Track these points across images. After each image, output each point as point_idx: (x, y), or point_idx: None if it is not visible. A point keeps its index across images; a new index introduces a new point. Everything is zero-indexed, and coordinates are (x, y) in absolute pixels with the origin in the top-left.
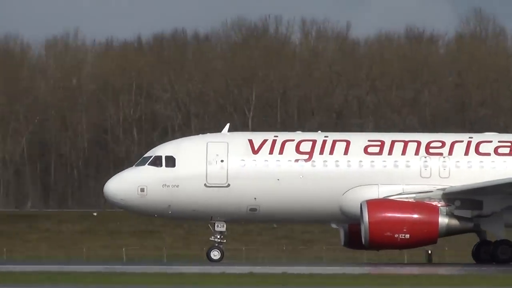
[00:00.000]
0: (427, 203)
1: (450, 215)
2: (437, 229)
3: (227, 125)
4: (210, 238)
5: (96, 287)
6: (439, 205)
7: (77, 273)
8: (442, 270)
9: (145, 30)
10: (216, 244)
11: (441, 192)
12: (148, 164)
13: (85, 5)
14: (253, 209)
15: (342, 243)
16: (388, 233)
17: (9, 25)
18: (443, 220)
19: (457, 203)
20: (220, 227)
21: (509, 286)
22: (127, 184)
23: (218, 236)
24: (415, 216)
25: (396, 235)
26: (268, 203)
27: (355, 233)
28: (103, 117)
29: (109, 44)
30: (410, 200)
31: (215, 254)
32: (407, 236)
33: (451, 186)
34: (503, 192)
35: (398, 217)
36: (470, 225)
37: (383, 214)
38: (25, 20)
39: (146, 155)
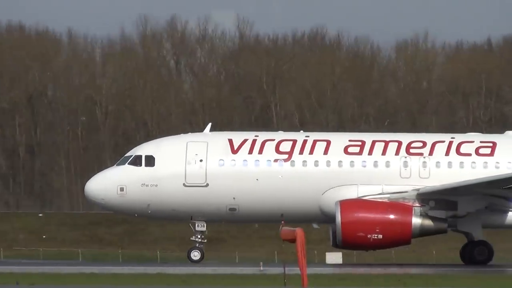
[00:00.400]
0: (401, 203)
1: (424, 215)
2: (410, 230)
3: (209, 125)
4: (191, 238)
5: None
6: (413, 205)
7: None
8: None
9: (495, 32)
10: (197, 245)
11: (415, 193)
12: (128, 164)
13: (435, 8)
14: (232, 209)
15: (331, 243)
16: (361, 234)
17: (361, 28)
18: (416, 221)
19: (432, 203)
20: (201, 226)
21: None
22: (107, 183)
23: (199, 236)
24: (388, 216)
25: (368, 236)
26: (247, 203)
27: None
28: (452, 119)
29: (459, 47)
30: (384, 200)
31: (195, 255)
32: (380, 236)
33: (425, 187)
34: (476, 192)
35: (371, 217)
36: (444, 225)
37: (356, 215)
38: (376, 24)
39: (127, 154)
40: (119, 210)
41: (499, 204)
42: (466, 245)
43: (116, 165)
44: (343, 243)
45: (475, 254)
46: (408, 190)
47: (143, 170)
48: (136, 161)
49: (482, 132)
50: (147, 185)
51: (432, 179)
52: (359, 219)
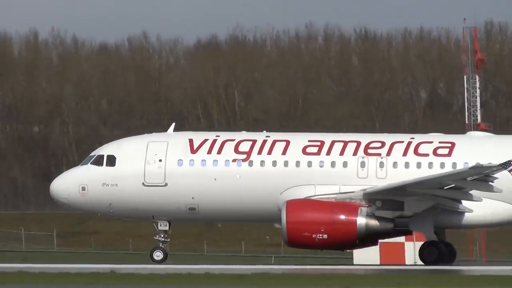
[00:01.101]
0: (347, 203)
1: (370, 215)
2: (355, 230)
3: (173, 124)
4: (154, 237)
5: None
6: (359, 205)
7: None
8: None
9: None
10: (160, 244)
11: (362, 193)
12: (91, 163)
13: None
14: (192, 208)
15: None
16: (306, 233)
17: None
18: (362, 221)
19: (378, 203)
20: (163, 226)
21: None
22: (70, 183)
23: (162, 236)
24: (333, 216)
25: (313, 235)
26: (206, 202)
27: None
28: None
29: None
30: (331, 200)
31: (158, 255)
32: (325, 236)
33: (371, 187)
34: (422, 193)
35: (316, 217)
36: (390, 225)
37: (301, 215)
38: None
39: (91, 153)
40: (82, 209)
41: (447, 204)
42: (423, 245)
43: (80, 165)
44: (289, 243)
45: (425, 254)
46: (355, 190)
47: (104, 169)
48: (99, 160)
49: None
50: (107, 185)
51: (389, 179)
52: (304, 219)
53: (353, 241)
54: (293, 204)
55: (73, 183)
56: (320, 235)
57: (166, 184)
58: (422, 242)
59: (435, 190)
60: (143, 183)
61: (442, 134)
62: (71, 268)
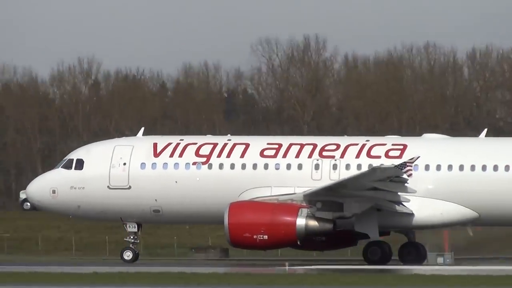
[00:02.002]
0: (288, 205)
1: (310, 216)
2: (294, 230)
3: (142, 129)
4: (125, 239)
5: None
6: (300, 207)
7: None
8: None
9: None
10: (130, 245)
11: (302, 194)
12: (62, 167)
13: None
14: (156, 211)
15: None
16: (247, 234)
17: None
18: (301, 221)
19: (319, 205)
20: (132, 228)
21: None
22: (41, 186)
23: (132, 237)
24: (273, 217)
25: (254, 236)
26: (168, 204)
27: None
28: None
29: None
30: (273, 202)
31: (128, 255)
32: (265, 237)
33: (310, 188)
34: (353, 195)
35: (256, 218)
36: (329, 226)
37: (242, 216)
38: None
39: (65, 157)
40: (53, 211)
41: (385, 205)
42: (404, 245)
43: (54, 168)
44: (232, 243)
45: (368, 254)
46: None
47: (72, 173)
48: (69, 164)
49: None
50: (75, 188)
51: None
52: (245, 220)
53: (293, 241)
54: (235, 206)
55: (44, 186)
56: (261, 236)
57: (130, 187)
58: None
59: (364, 191)
60: (108, 186)
61: (398, 136)
62: None
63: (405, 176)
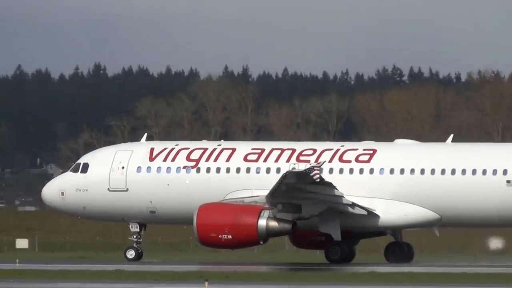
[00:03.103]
0: (251, 207)
1: (271, 218)
2: (255, 231)
3: (145, 135)
4: (129, 238)
5: None
6: (263, 208)
7: None
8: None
9: None
10: (134, 244)
11: (265, 197)
12: (70, 170)
13: None
14: (152, 211)
15: (292, 243)
16: (213, 234)
17: None
18: (262, 222)
19: (280, 206)
20: (134, 228)
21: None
22: (53, 188)
23: (134, 237)
24: (236, 218)
25: (220, 236)
26: (162, 206)
27: (298, 234)
28: None
29: None
30: (239, 203)
31: (131, 254)
32: (230, 237)
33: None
34: (310, 197)
35: (221, 219)
36: (288, 226)
37: (209, 217)
38: None
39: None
40: (62, 211)
41: (339, 208)
42: (389, 244)
43: (65, 172)
44: (201, 243)
45: (330, 253)
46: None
47: (78, 176)
48: (76, 168)
49: None
50: (80, 190)
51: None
52: (211, 221)
53: (255, 241)
54: (203, 208)
55: (55, 188)
56: (226, 235)
57: (127, 189)
58: None
59: (300, 194)
60: (108, 189)
61: (372, 142)
62: None
63: (315, 177)
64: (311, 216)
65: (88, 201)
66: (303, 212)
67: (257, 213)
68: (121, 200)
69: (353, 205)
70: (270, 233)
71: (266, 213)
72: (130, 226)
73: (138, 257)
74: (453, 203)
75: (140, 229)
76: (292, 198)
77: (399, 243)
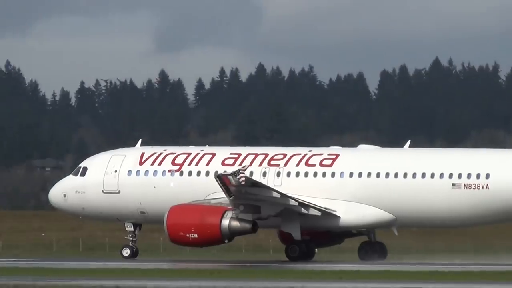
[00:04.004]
0: (216, 207)
1: (234, 218)
2: (218, 230)
3: (140, 140)
4: (125, 237)
5: None
6: (227, 209)
7: None
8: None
9: None
10: (129, 243)
11: (232, 197)
12: (72, 174)
13: None
14: (142, 212)
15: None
16: (181, 233)
17: None
18: (225, 222)
19: (241, 207)
20: (129, 227)
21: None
22: (56, 190)
23: (130, 236)
24: (201, 219)
25: (187, 235)
26: (151, 207)
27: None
28: None
29: None
30: (207, 204)
31: (126, 252)
32: (196, 236)
33: None
34: (267, 199)
35: (188, 219)
36: (248, 226)
37: (178, 217)
38: None
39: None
40: (65, 212)
41: (294, 209)
42: (363, 243)
43: (69, 175)
44: (171, 241)
45: (289, 251)
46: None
47: (78, 179)
48: (77, 171)
49: None
50: (79, 192)
51: (284, 186)
52: (179, 221)
53: (219, 239)
54: (173, 209)
55: (58, 190)
56: (192, 234)
57: (119, 192)
58: None
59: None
60: (102, 191)
61: (338, 147)
62: None
63: (240, 181)
64: (268, 216)
65: (86, 202)
66: (262, 212)
67: (220, 213)
68: (114, 202)
69: (304, 205)
70: (232, 232)
71: (229, 214)
72: (126, 225)
73: (133, 255)
74: (405, 205)
75: (135, 228)
76: (251, 199)
77: (372, 242)
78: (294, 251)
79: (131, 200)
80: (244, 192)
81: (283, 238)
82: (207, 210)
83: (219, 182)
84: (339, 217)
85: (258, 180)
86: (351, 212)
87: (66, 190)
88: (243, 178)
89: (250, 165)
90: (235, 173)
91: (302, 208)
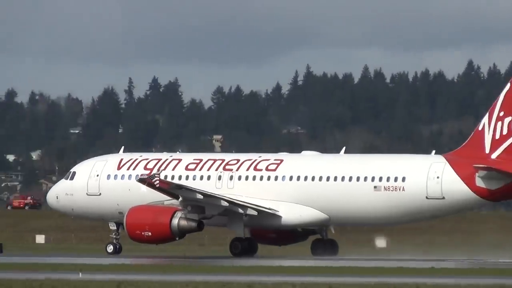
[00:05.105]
0: (168, 208)
1: (182, 217)
2: (168, 229)
3: (122, 147)
4: (110, 235)
5: None
6: (177, 209)
7: None
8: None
9: None
10: (113, 240)
11: (180, 199)
12: (64, 178)
13: None
14: (120, 213)
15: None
16: (138, 231)
17: None
18: (175, 222)
19: (189, 208)
20: (112, 226)
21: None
22: (52, 193)
23: (113, 234)
24: (153, 218)
25: (143, 233)
26: (127, 208)
27: (256, 232)
28: None
29: None
30: (161, 205)
31: (110, 248)
32: (149, 233)
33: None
34: (210, 201)
35: (143, 219)
36: (194, 225)
37: (135, 217)
38: None
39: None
40: (59, 212)
41: (232, 209)
42: (315, 240)
43: (62, 179)
44: (131, 238)
45: (232, 248)
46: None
47: (67, 183)
48: (68, 175)
49: None
50: (68, 194)
51: (235, 189)
52: (136, 220)
53: (170, 237)
54: (131, 210)
55: (53, 192)
56: (147, 232)
57: (100, 194)
58: None
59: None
60: (86, 193)
61: (286, 153)
62: None
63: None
64: (212, 216)
65: (74, 203)
66: (206, 212)
67: (170, 213)
68: (96, 203)
69: (241, 206)
70: (181, 231)
71: (179, 214)
72: (109, 225)
73: (116, 251)
74: (336, 206)
75: (118, 227)
76: (195, 201)
77: (323, 239)
78: (236, 248)
79: (110, 201)
80: (173, 193)
81: (254, 235)
82: (160, 211)
83: (147, 185)
84: (281, 216)
85: (215, 183)
86: (291, 212)
87: (58, 193)
88: (158, 181)
89: (165, 169)
90: (151, 177)
91: (239, 209)
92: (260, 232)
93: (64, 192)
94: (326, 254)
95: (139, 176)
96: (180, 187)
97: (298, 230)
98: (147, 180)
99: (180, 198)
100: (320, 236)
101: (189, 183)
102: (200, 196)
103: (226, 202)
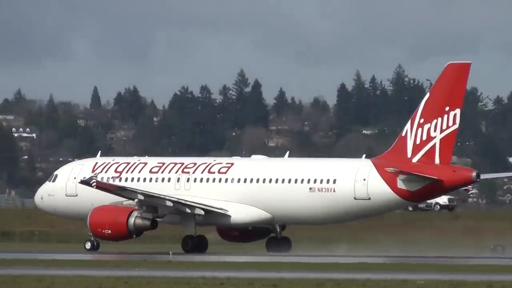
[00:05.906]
0: (125, 208)
1: (138, 217)
2: (125, 227)
3: (99, 152)
4: (88, 233)
5: None
6: (134, 209)
7: None
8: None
9: None
10: (91, 238)
11: (137, 200)
12: (48, 180)
13: None
14: None
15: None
16: (99, 230)
17: None
18: (131, 221)
19: (144, 208)
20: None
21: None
22: (37, 194)
23: (91, 232)
24: (113, 217)
25: (104, 231)
26: None
27: (222, 230)
28: None
29: None
30: (121, 205)
31: (88, 245)
32: (109, 231)
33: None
34: (161, 202)
35: (104, 218)
36: (148, 223)
37: (97, 216)
38: None
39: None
40: (44, 211)
41: (179, 209)
42: (270, 237)
43: (47, 181)
44: (94, 236)
45: (183, 245)
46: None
47: (50, 184)
48: (51, 178)
49: None
50: (50, 195)
51: (191, 191)
52: (97, 219)
53: (127, 235)
54: (94, 210)
55: (39, 193)
56: (107, 230)
57: (77, 195)
58: None
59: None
60: (65, 194)
61: (237, 157)
62: None
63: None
64: (164, 215)
65: (56, 204)
66: (159, 212)
67: (127, 213)
68: (74, 203)
69: (182, 205)
70: (138, 229)
71: (135, 213)
72: (87, 223)
73: (94, 247)
74: (277, 206)
75: None
76: (149, 201)
77: (277, 237)
78: (187, 245)
79: (85, 202)
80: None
81: (221, 233)
82: (118, 210)
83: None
84: (230, 216)
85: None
86: (239, 212)
87: (43, 194)
88: (94, 183)
89: (100, 172)
90: (88, 179)
91: (187, 208)
92: (225, 231)
93: (47, 193)
94: (280, 251)
95: (81, 179)
96: (123, 189)
97: (258, 228)
98: (87, 182)
99: (136, 199)
100: (275, 234)
101: (153, 185)
102: (141, 197)
103: (170, 203)
